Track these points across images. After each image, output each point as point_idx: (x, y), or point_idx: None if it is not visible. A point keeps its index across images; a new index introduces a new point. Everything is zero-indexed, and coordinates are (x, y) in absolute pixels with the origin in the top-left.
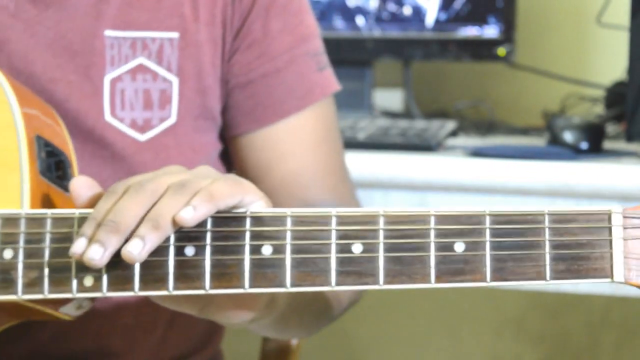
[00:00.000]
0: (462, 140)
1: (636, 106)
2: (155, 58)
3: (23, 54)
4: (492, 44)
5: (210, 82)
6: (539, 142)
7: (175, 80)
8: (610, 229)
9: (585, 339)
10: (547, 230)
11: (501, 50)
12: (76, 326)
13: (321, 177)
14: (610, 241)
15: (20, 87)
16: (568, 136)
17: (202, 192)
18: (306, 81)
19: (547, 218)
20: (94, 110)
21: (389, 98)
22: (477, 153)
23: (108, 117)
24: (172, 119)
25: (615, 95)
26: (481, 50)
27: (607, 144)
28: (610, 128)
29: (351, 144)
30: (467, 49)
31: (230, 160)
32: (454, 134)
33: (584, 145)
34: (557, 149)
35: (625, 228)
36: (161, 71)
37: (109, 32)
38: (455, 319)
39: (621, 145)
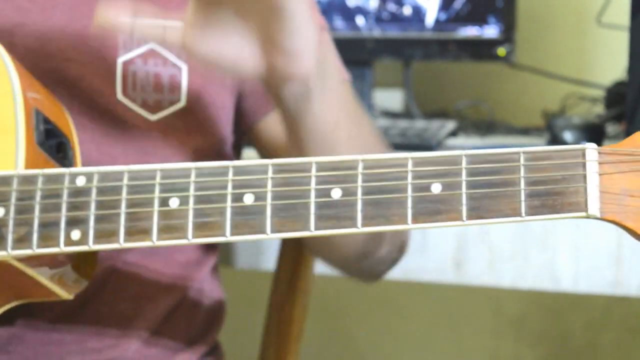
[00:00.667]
0: (462, 140)
1: (636, 106)
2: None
3: (39, 35)
4: (492, 44)
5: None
6: (539, 142)
7: (184, 67)
8: (584, 164)
9: (585, 339)
10: (522, 168)
11: (501, 50)
12: (73, 311)
13: (356, 136)
14: (585, 176)
15: (25, 74)
16: (568, 136)
17: None
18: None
19: (522, 157)
20: (106, 89)
21: (389, 98)
22: None
23: (120, 96)
24: (182, 103)
25: (615, 95)
26: (481, 50)
27: (607, 144)
28: (610, 128)
29: None
30: (467, 49)
31: (257, 149)
32: (454, 134)
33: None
34: None
35: (600, 164)
36: (171, 57)
37: (122, 18)
38: (455, 319)
39: None
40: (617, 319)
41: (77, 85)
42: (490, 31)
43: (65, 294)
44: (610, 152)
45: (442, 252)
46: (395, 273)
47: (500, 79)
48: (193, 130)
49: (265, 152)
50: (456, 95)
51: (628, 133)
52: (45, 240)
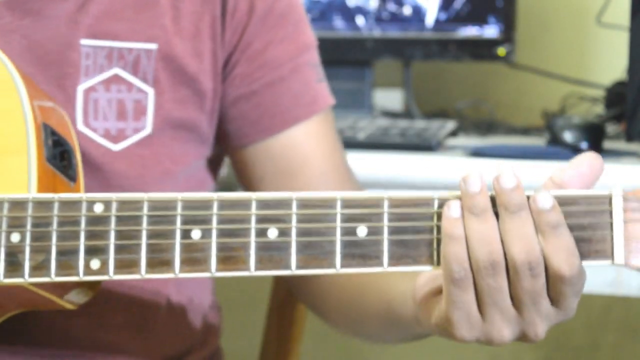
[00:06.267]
0: (462, 140)
1: (636, 106)
2: (130, 69)
3: None
4: (492, 44)
5: (189, 93)
6: (539, 142)
7: (150, 91)
8: (610, 212)
9: (585, 339)
10: None
11: (501, 50)
12: (66, 322)
13: (342, 180)
14: (611, 224)
15: (27, 78)
16: (568, 136)
17: None
18: (310, 90)
19: None
20: None
21: (389, 98)
22: (477, 153)
23: (80, 126)
24: (147, 130)
25: (615, 95)
26: (481, 50)
27: (607, 144)
28: (610, 128)
29: (351, 144)
30: (467, 49)
31: (237, 168)
32: (454, 134)
33: (584, 145)
34: (557, 149)
35: (625, 211)
36: (136, 82)
37: (85, 41)
38: None
39: (621, 145)
40: (617, 319)
41: None
42: (490, 31)
43: (70, 306)
44: (635, 199)
45: None
46: None
47: (500, 79)
48: (161, 156)
49: (245, 176)
50: (456, 95)
51: (628, 133)
52: (63, 268)
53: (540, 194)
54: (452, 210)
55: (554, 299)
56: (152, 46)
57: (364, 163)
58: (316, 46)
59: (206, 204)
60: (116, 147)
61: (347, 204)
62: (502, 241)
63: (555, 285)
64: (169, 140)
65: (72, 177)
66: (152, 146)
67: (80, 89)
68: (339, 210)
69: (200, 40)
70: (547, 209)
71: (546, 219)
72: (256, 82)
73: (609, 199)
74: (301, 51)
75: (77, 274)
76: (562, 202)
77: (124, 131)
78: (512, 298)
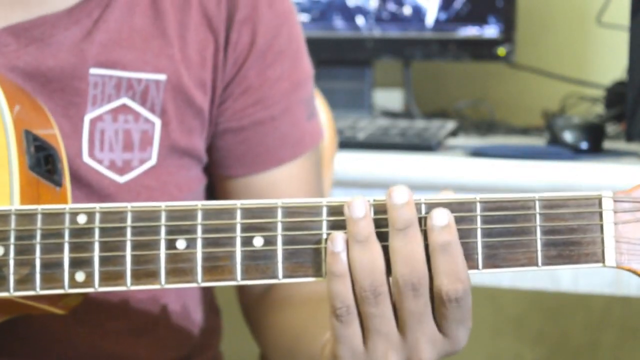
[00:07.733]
0: (462, 140)
1: (636, 106)
2: (139, 99)
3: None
4: (492, 44)
5: (195, 123)
6: (539, 142)
7: (157, 122)
8: (600, 213)
9: (585, 339)
10: (537, 216)
11: (501, 50)
12: (65, 331)
13: None
14: (601, 226)
15: (8, 83)
16: (568, 136)
17: None
18: (298, 130)
19: (537, 204)
20: (72, 150)
21: (389, 98)
22: (477, 153)
23: (86, 158)
24: (153, 161)
25: (615, 95)
26: (481, 50)
27: (607, 144)
28: (610, 128)
29: (351, 144)
30: (467, 48)
31: (218, 194)
32: (454, 134)
33: (584, 145)
34: (557, 149)
35: (615, 212)
36: (144, 112)
37: (94, 70)
38: None
39: (621, 145)
40: (617, 319)
41: None
42: (490, 31)
43: (60, 311)
44: (625, 200)
45: None
46: None
47: (500, 79)
48: (167, 185)
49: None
50: (456, 95)
51: (628, 133)
52: (48, 282)
53: (436, 211)
54: (335, 244)
55: (439, 323)
56: (162, 77)
57: (364, 163)
58: (311, 77)
59: (190, 214)
60: (122, 178)
61: (333, 211)
62: (388, 262)
63: (439, 308)
64: (175, 169)
65: (58, 182)
66: (158, 176)
67: (87, 118)
68: (325, 217)
69: (205, 70)
70: (439, 227)
71: (436, 237)
72: (246, 118)
73: (599, 200)
74: (295, 88)
75: (62, 287)
76: (551, 204)
77: (130, 162)
78: (397, 319)
